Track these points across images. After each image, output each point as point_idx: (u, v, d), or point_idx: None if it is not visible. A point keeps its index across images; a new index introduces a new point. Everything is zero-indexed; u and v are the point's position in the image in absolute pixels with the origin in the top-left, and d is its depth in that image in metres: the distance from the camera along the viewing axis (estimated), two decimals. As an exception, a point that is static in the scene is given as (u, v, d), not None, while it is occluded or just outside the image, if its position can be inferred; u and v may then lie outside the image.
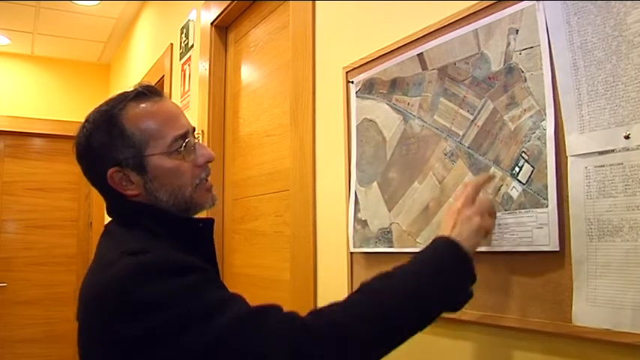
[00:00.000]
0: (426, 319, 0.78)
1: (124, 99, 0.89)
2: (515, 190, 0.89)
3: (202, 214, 0.96)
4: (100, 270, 0.81)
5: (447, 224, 0.84)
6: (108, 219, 0.95)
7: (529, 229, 0.86)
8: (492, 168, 0.93)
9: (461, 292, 0.80)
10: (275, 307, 0.75)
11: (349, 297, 0.77)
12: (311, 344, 0.70)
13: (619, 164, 0.74)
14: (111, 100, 0.91)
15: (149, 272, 0.74)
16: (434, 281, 0.78)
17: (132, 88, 0.91)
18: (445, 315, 1.02)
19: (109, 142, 0.87)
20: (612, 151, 0.75)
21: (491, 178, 0.92)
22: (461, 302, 0.80)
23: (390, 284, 0.77)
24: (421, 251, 0.82)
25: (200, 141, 0.94)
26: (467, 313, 0.97)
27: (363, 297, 0.76)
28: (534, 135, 0.86)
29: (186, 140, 0.89)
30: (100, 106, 0.91)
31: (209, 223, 0.94)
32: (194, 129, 0.93)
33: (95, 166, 0.90)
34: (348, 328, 0.71)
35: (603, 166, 0.76)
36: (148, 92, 0.90)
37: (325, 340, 0.70)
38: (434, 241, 0.83)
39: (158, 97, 0.91)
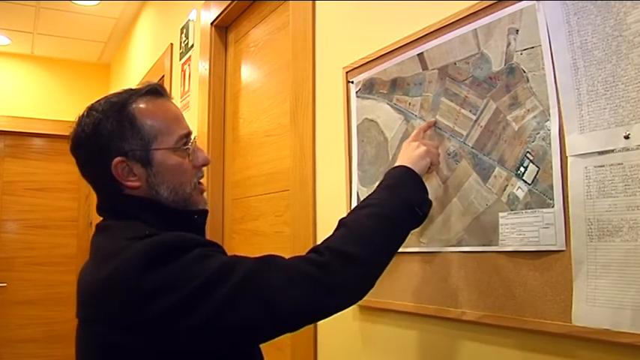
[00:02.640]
0: (402, 230, 0.89)
1: (136, 93, 0.92)
2: (520, 190, 0.89)
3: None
4: (105, 260, 0.81)
5: (400, 156, 0.99)
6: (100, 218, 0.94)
7: (535, 229, 0.86)
8: (497, 168, 0.93)
9: (421, 202, 0.91)
10: (278, 255, 0.82)
11: (335, 232, 0.86)
12: (323, 273, 0.78)
13: (619, 164, 0.74)
14: (119, 93, 0.93)
15: (165, 251, 0.77)
16: (396, 197, 0.89)
17: (144, 85, 0.94)
18: (443, 314, 1.02)
19: (118, 132, 0.88)
20: (612, 151, 0.75)
21: (433, 122, 1.06)
22: (424, 210, 0.91)
23: (364, 212, 0.88)
24: (382, 180, 0.95)
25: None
26: (467, 313, 0.97)
27: (346, 228, 0.86)
28: (539, 135, 0.86)
29: (190, 140, 0.93)
30: (108, 97, 0.93)
31: (204, 214, 0.97)
32: (191, 132, 0.96)
33: (98, 156, 0.90)
34: (345, 251, 0.80)
35: (603, 166, 0.76)
36: (159, 91, 0.94)
37: (332, 266, 0.79)
38: (388, 171, 0.96)
39: (167, 97, 0.95)
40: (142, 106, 0.90)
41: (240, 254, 0.82)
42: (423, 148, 0.98)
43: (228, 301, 0.74)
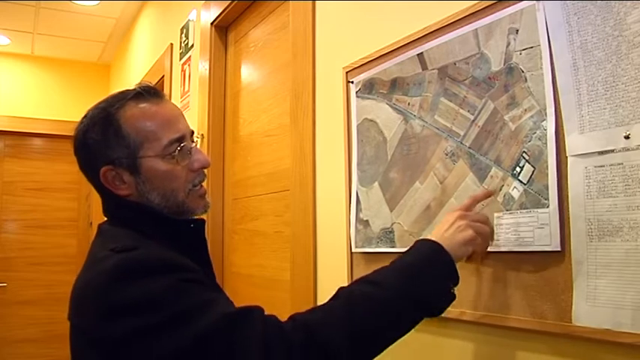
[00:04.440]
0: (405, 326, 0.78)
1: (123, 98, 0.89)
2: (516, 190, 0.89)
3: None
4: (89, 268, 0.82)
5: (440, 228, 0.85)
6: (105, 219, 0.94)
7: (530, 229, 0.86)
8: (493, 168, 0.93)
9: (443, 294, 0.79)
10: (256, 311, 0.74)
11: (328, 302, 0.77)
12: (281, 346, 0.70)
13: (619, 164, 0.74)
14: (110, 97, 0.91)
15: (136, 270, 0.74)
16: (408, 287, 0.77)
17: (133, 87, 0.91)
18: (445, 315, 1.02)
19: (103, 140, 0.87)
20: (612, 151, 0.75)
21: (491, 193, 0.91)
22: (443, 305, 0.80)
23: (369, 291, 0.76)
24: (405, 253, 0.82)
25: (199, 145, 0.94)
26: (467, 313, 0.97)
27: (340, 303, 0.76)
28: (535, 135, 0.86)
29: (182, 144, 0.88)
30: (100, 102, 0.91)
31: (200, 224, 0.94)
32: (192, 133, 0.93)
33: (89, 162, 0.90)
34: (320, 333, 0.71)
35: (603, 166, 0.76)
36: (148, 93, 0.90)
37: (294, 342, 0.70)
38: (418, 242, 0.83)
39: (158, 98, 0.90)
40: (128, 111, 0.87)
41: (220, 294, 0.78)
42: (469, 233, 0.82)
43: (188, 343, 0.69)
